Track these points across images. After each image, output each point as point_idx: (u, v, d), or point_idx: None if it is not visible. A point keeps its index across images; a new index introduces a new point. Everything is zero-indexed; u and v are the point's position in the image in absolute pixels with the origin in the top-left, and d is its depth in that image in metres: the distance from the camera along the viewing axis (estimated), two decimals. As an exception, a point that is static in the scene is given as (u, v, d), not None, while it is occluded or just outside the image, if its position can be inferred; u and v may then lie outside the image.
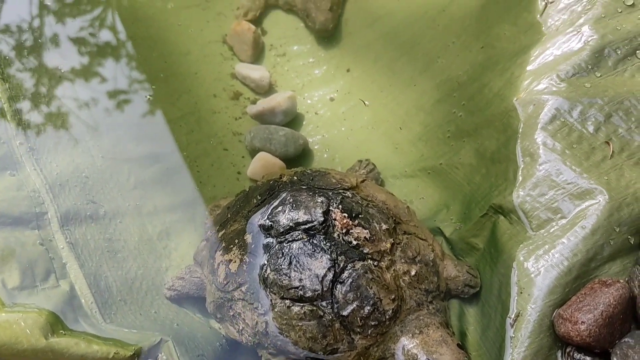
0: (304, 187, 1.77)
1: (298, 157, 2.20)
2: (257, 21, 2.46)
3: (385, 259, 1.66)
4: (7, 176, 1.82)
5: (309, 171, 1.86)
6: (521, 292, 1.63)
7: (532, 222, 1.71)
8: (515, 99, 1.89)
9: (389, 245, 1.68)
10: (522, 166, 1.79)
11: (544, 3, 2.07)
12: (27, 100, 2.06)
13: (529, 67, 1.95)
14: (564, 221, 1.67)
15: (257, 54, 2.41)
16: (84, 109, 2.10)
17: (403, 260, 1.69)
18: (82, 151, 1.99)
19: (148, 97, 2.19)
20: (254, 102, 2.30)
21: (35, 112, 2.02)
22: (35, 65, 2.16)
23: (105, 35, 2.33)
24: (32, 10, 2.40)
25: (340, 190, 1.77)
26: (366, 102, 2.24)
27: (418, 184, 2.08)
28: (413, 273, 1.69)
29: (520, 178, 1.77)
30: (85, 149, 2.00)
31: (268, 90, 2.34)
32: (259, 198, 1.79)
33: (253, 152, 2.19)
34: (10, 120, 1.92)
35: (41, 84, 2.13)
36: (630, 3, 1.92)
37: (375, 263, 1.64)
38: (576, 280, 1.60)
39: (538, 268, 1.62)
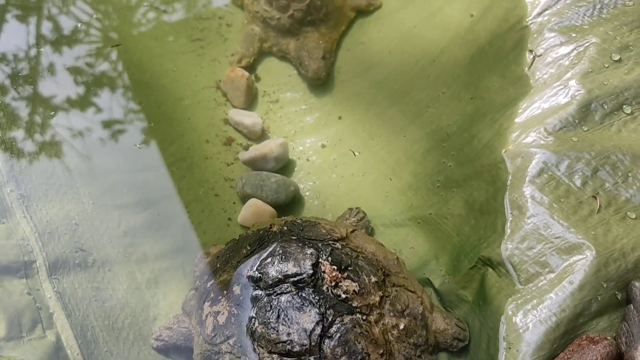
0: (293, 237, 1.77)
1: (289, 203, 2.20)
2: (250, 68, 2.50)
3: (374, 312, 1.66)
4: (-3, 223, 1.82)
5: (299, 221, 1.86)
6: (509, 348, 1.63)
7: (521, 275, 1.72)
8: (503, 151, 1.92)
9: (377, 299, 1.68)
10: (510, 219, 1.80)
11: (531, 56, 2.11)
12: (20, 132, 2.09)
13: (517, 120, 1.98)
14: (552, 275, 1.68)
15: (250, 100, 2.44)
16: (76, 154, 2.12)
17: (392, 314, 1.69)
18: (72, 197, 1.99)
19: (138, 146, 2.21)
20: (246, 148, 2.32)
21: (27, 159, 2.03)
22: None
23: (100, 83, 2.36)
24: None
25: (330, 242, 1.77)
26: (356, 153, 2.26)
27: (408, 233, 2.09)
28: (402, 327, 1.68)
29: (509, 231, 1.79)
30: (76, 195, 2.01)
31: (260, 136, 2.36)
32: (249, 248, 1.79)
33: (244, 199, 2.20)
34: (1, 167, 1.93)
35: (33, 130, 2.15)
36: (616, 58, 1.97)
37: (364, 317, 1.63)
38: (564, 336, 1.60)
39: (526, 323, 1.63)
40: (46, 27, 2.53)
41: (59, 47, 2.45)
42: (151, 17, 2.57)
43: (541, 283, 1.68)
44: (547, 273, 1.68)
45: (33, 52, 2.43)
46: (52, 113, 2.21)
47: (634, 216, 1.73)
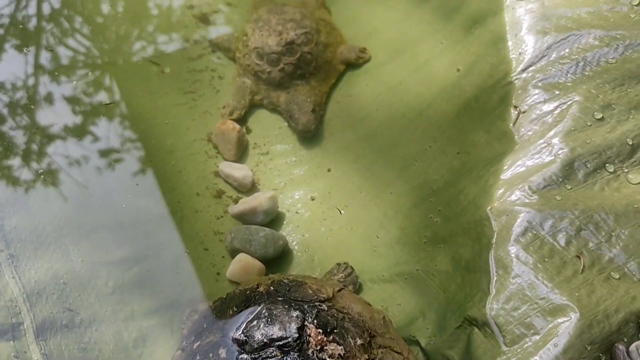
0: (280, 298, 1.78)
1: (277, 257, 2.22)
2: (242, 120, 2.54)
3: (359, 376, 1.66)
4: (-15, 285, 1.83)
5: (285, 281, 1.88)
6: (495, 411, 1.63)
7: (506, 336, 1.72)
8: (489, 208, 1.94)
9: (363, 362, 1.68)
10: (495, 278, 1.82)
11: (516, 112, 2.15)
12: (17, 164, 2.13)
13: (502, 176, 2.01)
14: (536, 337, 1.68)
15: (241, 153, 2.47)
16: (65, 210, 2.14)
17: (377, 377, 1.69)
18: (61, 255, 2.00)
19: (124, 205, 2.23)
20: (236, 201, 2.35)
21: (17, 216, 2.06)
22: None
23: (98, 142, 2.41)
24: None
25: (317, 303, 1.78)
26: (342, 211, 2.29)
27: (395, 290, 2.10)
28: (387, 390, 1.69)
29: (494, 290, 1.80)
30: (65, 252, 2.02)
31: (251, 188, 2.38)
32: (235, 309, 1.80)
33: (233, 253, 2.21)
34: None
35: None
36: (599, 117, 2.01)
37: (349, 381, 1.64)
38: (549, 400, 1.61)
39: (512, 386, 1.63)
40: (44, 57, 2.59)
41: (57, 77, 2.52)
42: (145, 70, 2.62)
43: (526, 345, 1.68)
44: (532, 335, 1.69)
45: (31, 81, 2.48)
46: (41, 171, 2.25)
47: (617, 276, 1.75)
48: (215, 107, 2.56)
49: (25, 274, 1.90)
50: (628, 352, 1.63)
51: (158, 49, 2.70)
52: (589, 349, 1.63)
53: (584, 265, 1.77)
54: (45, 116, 2.42)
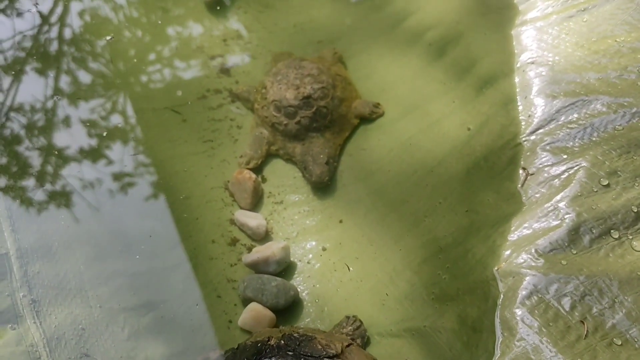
0: (290, 353, 1.83)
1: (288, 307, 2.27)
2: (257, 169, 2.62)
3: None
4: (8, 330, 1.90)
5: (295, 335, 1.93)
6: None
7: (510, 399, 1.76)
8: (495, 268, 1.99)
9: (369, 420, 1.72)
10: (500, 339, 1.86)
11: (524, 174, 2.22)
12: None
13: (509, 237, 2.07)
14: (540, 402, 1.72)
15: (256, 201, 2.54)
16: (86, 253, 2.22)
17: None
18: (81, 301, 2.08)
19: (140, 253, 2.31)
20: (249, 249, 2.41)
21: (40, 261, 2.13)
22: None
23: (110, 181, 2.51)
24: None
25: (325, 358, 1.83)
26: (350, 268, 2.34)
27: (403, 345, 2.14)
28: None
29: (499, 352, 1.84)
30: (84, 298, 2.09)
31: (264, 237, 2.45)
32: (246, 362, 1.85)
33: (245, 301, 2.27)
34: (15, 272, 2.03)
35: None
36: (605, 183, 2.07)
37: None
38: None
39: None
40: (64, 81, 2.71)
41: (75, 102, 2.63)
42: (166, 119, 2.73)
43: (529, 410, 1.72)
44: (536, 399, 1.73)
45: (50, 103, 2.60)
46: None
47: (619, 342, 1.78)
48: (232, 155, 2.65)
49: (46, 319, 1.98)
50: (630, 421, 1.66)
51: (179, 97, 2.80)
52: (590, 416, 1.66)
53: (587, 331, 1.81)
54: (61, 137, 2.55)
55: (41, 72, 2.76)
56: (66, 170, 2.51)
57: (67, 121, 2.63)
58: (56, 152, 2.54)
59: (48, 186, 2.42)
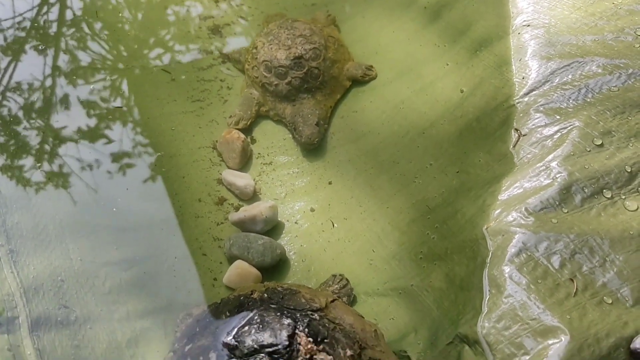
0: (273, 306, 1.80)
1: (274, 266, 2.24)
2: (247, 130, 2.58)
3: (347, 387, 1.67)
4: (-16, 279, 1.86)
5: (279, 289, 1.89)
6: None
7: (496, 355, 1.73)
8: (485, 227, 1.96)
9: (351, 373, 1.69)
10: (488, 297, 1.82)
11: (516, 135, 2.18)
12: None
13: (500, 197, 2.03)
14: (526, 358, 1.68)
15: (245, 162, 2.50)
16: (68, 210, 2.18)
17: (365, 389, 1.70)
18: (61, 253, 2.03)
19: (124, 207, 2.26)
20: (237, 209, 2.37)
21: (19, 212, 2.09)
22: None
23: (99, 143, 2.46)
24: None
25: (309, 312, 1.79)
26: (335, 224, 2.31)
27: (389, 304, 2.11)
28: (374, 403, 1.69)
29: (486, 309, 1.80)
30: (64, 251, 2.05)
31: (252, 197, 2.41)
32: (228, 314, 1.82)
33: (231, 259, 2.24)
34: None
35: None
36: (599, 143, 2.03)
37: (336, 391, 1.64)
38: (536, 421, 1.60)
39: (499, 405, 1.63)
40: (62, 60, 2.66)
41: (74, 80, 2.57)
42: (155, 77, 2.68)
43: (516, 365, 1.69)
44: (522, 355, 1.69)
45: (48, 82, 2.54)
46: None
47: (610, 301, 1.75)
48: (221, 116, 2.61)
49: (23, 270, 1.94)
50: (617, 378, 1.63)
51: (169, 57, 2.75)
52: (578, 372, 1.63)
53: (576, 289, 1.77)
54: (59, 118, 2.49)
55: (40, 51, 2.70)
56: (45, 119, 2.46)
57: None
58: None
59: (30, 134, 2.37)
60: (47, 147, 2.36)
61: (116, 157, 2.40)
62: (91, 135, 2.44)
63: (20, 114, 2.44)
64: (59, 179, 2.27)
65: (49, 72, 2.62)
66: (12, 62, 2.63)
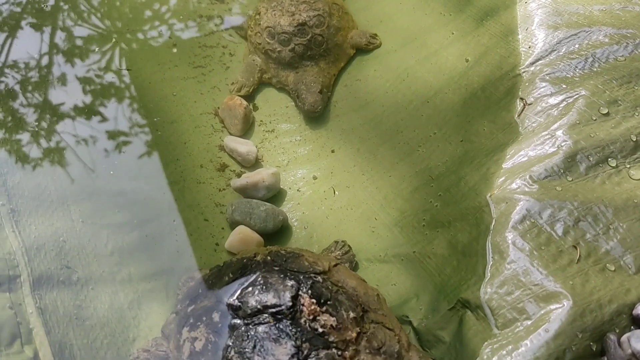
0: (276, 268, 1.80)
1: (277, 232, 2.23)
2: (249, 97, 2.56)
3: (350, 348, 1.67)
4: (-15, 237, 1.85)
5: (282, 252, 1.89)
6: (482, 392, 1.64)
7: (498, 320, 1.73)
8: (489, 195, 1.95)
9: (354, 335, 1.69)
10: (491, 263, 1.83)
11: (522, 104, 2.16)
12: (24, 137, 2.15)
13: (504, 165, 2.02)
14: (528, 322, 1.69)
15: (247, 129, 2.48)
16: (70, 172, 2.16)
17: (368, 351, 1.70)
18: (63, 214, 2.02)
19: (127, 172, 2.24)
20: (239, 175, 2.36)
21: (21, 173, 2.08)
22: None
23: (105, 98, 2.43)
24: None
25: (312, 275, 1.79)
26: (336, 192, 2.31)
27: (391, 270, 2.11)
28: (376, 364, 1.70)
29: (489, 275, 1.81)
30: (66, 212, 2.04)
31: (254, 164, 2.40)
32: (231, 276, 1.81)
33: (233, 225, 2.23)
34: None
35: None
36: (605, 112, 2.02)
37: (340, 352, 1.64)
38: (537, 384, 1.61)
39: (500, 368, 1.64)
40: (59, 37, 2.61)
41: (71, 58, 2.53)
42: (156, 41, 2.64)
43: (517, 329, 1.69)
44: (524, 319, 1.70)
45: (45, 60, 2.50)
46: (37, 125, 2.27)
47: (613, 268, 1.75)
48: (224, 83, 2.58)
49: (25, 229, 1.92)
50: (619, 343, 1.64)
51: (171, 22, 2.71)
52: (580, 336, 1.63)
53: (580, 256, 1.78)
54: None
55: (37, 28, 2.64)
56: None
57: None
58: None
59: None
60: (44, 122, 2.34)
61: (116, 123, 2.38)
62: (90, 107, 2.41)
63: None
64: (58, 142, 2.26)
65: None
66: (8, 39, 2.59)
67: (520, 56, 2.28)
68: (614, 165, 1.94)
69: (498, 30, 2.40)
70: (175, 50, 2.64)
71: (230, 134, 2.47)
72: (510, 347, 1.65)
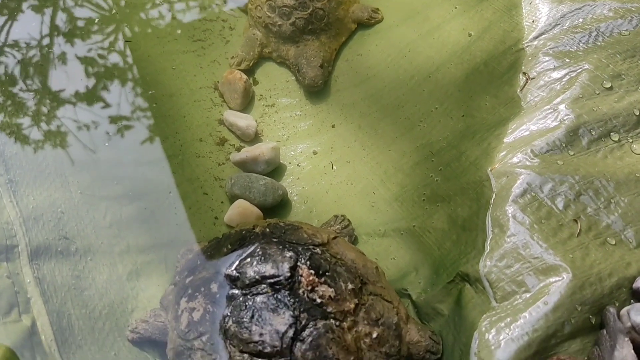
0: (274, 240, 1.79)
1: (276, 207, 2.22)
2: (249, 71, 2.53)
3: (348, 319, 1.67)
4: (-18, 207, 1.85)
5: (281, 224, 1.88)
6: (480, 364, 1.64)
7: (497, 293, 1.73)
8: (489, 169, 1.94)
9: (353, 306, 1.69)
10: (490, 236, 1.82)
11: (524, 78, 2.14)
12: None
13: (505, 140, 2.00)
14: (527, 295, 1.69)
15: (247, 103, 2.47)
16: (68, 143, 2.15)
17: (366, 322, 1.70)
18: (60, 185, 2.02)
19: (125, 139, 2.23)
20: (238, 150, 2.35)
21: (19, 143, 2.06)
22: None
23: (105, 76, 2.41)
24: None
25: (311, 246, 1.79)
26: (334, 167, 2.29)
27: (390, 244, 2.11)
28: (375, 335, 1.69)
29: (488, 248, 1.80)
30: (64, 183, 2.03)
31: (254, 139, 2.38)
32: (230, 247, 1.81)
33: (232, 199, 2.22)
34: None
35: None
36: (608, 86, 2.00)
37: (338, 323, 1.64)
38: (535, 356, 1.60)
39: (499, 340, 1.63)
40: (60, 18, 2.58)
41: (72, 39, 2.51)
42: (156, 14, 2.61)
43: (516, 302, 1.69)
44: (523, 292, 1.69)
45: (46, 41, 2.47)
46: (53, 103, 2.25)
47: (613, 242, 1.74)
48: (223, 56, 2.56)
49: (23, 200, 1.92)
50: (619, 316, 1.63)
51: (170, -5, 2.69)
52: (579, 309, 1.63)
53: (580, 229, 1.77)
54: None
55: (38, 9, 2.61)
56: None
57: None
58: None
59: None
60: (45, 102, 2.31)
61: (115, 97, 2.36)
62: (89, 83, 2.39)
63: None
64: (56, 109, 2.24)
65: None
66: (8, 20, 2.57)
67: (523, 30, 2.25)
68: (616, 139, 1.92)
69: (501, 4, 2.37)
70: (174, 23, 2.61)
71: (230, 108, 2.45)
72: (508, 319, 1.65)
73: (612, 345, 1.60)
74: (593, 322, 1.64)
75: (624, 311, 1.64)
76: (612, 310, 1.64)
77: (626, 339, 1.58)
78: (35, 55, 2.41)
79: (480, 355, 1.64)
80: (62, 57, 2.43)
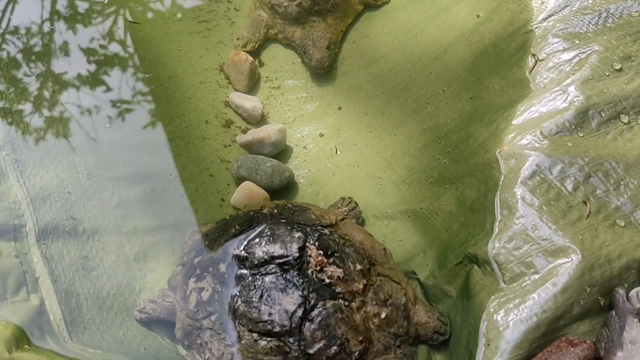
0: (283, 220, 1.79)
1: (283, 189, 2.22)
2: (255, 53, 2.51)
3: (357, 299, 1.67)
4: (-10, 186, 1.84)
5: (289, 205, 1.88)
6: (489, 344, 1.63)
7: (505, 274, 1.73)
8: (498, 151, 1.93)
9: (361, 286, 1.69)
10: (499, 218, 1.81)
11: (534, 60, 2.12)
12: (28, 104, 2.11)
13: (514, 121, 1.99)
14: (536, 276, 1.69)
15: (252, 85, 2.45)
16: (74, 125, 2.14)
17: (374, 302, 1.70)
18: (67, 166, 2.01)
19: (132, 121, 2.22)
20: (244, 132, 2.33)
21: (25, 124, 2.05)
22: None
23: (108, 61, 2.38)
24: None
25: (319, 227, 1.78)
26: (338, 152, 2.29)
27: (398, 226, 2.10)
28: (383, 316, 1.70)
29: (497, 230, 1.79)
30: (71, 164, 2.02)
31: (260, 121, 2.37)
32: (238, 228, 1.80)
33: (239, 181, 2.21)
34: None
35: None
36: (618, 67, 1.98)
37: (346, 303, 1.64)
38: (544, 337, 1.61)
39: (507, 321, 1.63)
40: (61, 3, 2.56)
41: (72, 24, 2.48)
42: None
43: (525, 283, 1.68)
44: (532, 274, 1.69)
45: (46, 27, 2.45)
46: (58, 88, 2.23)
47: (622, 224, 1.74)
48: (229, 38, 2.53)
49: (30, 179, 1.91)
50: (628, 297, 1.63)
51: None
52: (588, 290, 1.63)
53: (589, 211, 1.76)
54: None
55: None
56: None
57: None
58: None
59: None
60: (49, 86, 2.29)
61: (120, 79, 2.34)
62: (94, 64, 2.37)
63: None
64: (59, 93, 2.22)
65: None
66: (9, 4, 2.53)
67: (532, 12, 2.22)
68: (626, 121, 1.91)
69: (510, -15, 2.35)
70: (179, 3, 2.58)
71: (236, 90, 2.44)
72: (517, 300, 1.65)
73: (621, 327, 1.60)
74: (602, 304, 1.64)
75: (632, 292, 1.64)
76: (621, 291, 1.64)
77: (635, 320, 1.59)
78: (38, 39, 2.39)
79: (488, 336, 1.64)
80: (65, 46, 2.41)
